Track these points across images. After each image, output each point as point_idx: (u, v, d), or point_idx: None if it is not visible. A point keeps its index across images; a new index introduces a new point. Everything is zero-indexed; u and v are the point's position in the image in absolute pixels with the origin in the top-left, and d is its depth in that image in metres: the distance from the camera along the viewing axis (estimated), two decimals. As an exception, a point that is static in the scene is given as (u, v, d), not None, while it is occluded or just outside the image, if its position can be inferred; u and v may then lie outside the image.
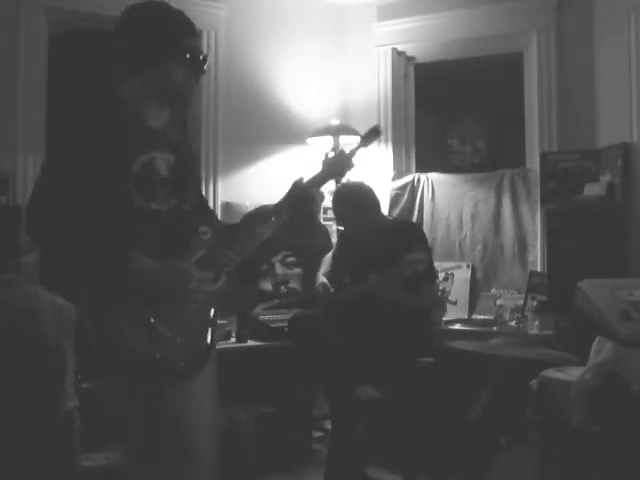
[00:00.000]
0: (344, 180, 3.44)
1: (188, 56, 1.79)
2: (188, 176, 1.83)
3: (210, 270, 1.74)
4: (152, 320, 1.65)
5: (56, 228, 1.62)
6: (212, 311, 1.78)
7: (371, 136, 2.08)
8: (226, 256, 1.80)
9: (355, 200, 3.36)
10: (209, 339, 1.74)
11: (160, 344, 1.64)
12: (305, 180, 1.96)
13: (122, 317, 1.63)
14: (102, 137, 1.68)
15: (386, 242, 3.23)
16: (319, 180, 1.98)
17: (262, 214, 1.91)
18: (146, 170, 1.71)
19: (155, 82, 1.78)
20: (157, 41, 1.76)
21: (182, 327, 1.68)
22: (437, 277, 3.79)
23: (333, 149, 2.02)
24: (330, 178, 2.02)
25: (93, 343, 1.68)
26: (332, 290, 3.37)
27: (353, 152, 2.04)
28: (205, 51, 4.15)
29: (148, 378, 1.66)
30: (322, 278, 3.45)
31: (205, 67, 1.85)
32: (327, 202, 4.43)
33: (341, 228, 3.75)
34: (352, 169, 2.05)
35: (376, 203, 3.42)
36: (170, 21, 1.79)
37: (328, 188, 4.41)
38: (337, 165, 2.02)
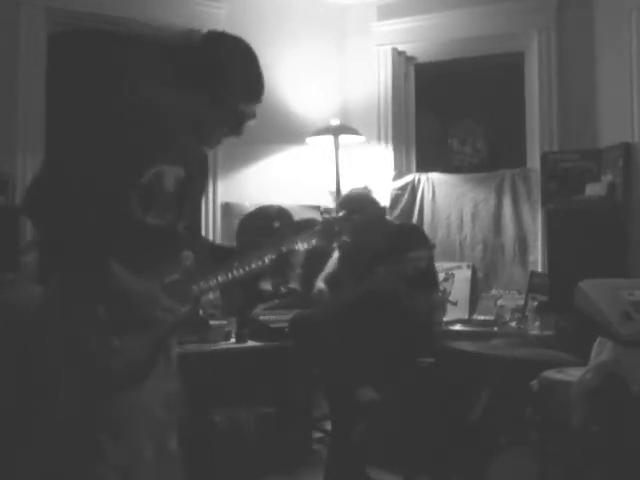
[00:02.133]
0: (352, 188, 3.39)
1: (240, 121, 1.83)
2: (190, 193, 1.81)
3: (178, 296, 1.74)
4: (109, 327, 1.65)
5: (53, 217, 1.61)
6: (167, 332, 1.78)
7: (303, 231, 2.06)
8: (197, 286, 1.80)
9: (360, 209, 3.31)
10: (154, 356, 1.74)
11: (109, 351, 1.65)
12: (300, 234, 1.95)
13: (85, 317, 1.64)
14: (121, 139, 1.66)
15: (389, 245, 3.23)
16: (313, 236, 1.97)
17: (246, 250, 1.91)
18: (154, 182, 1.69)
19: (195, 119, 1.78)
20: (224, 96, 1.76)
21: (133, 340, 1.68)
22: (437, 283, 3.75)
23: (329, 211, 2.00)
24: (324, 239, 1.99)
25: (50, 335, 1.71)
26: (330, 293, 3.36)
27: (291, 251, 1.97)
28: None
29: (87, 384, 1.67)
30: (320, 284, 3.44)
31: (244, 128, 1.87)
32: (328, 203, 4.46)
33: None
34: (292, 270, 2.05)
35: (381, 212, 3.40)
36: (249, 84, 1.80)
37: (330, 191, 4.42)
38: (336, 229, 2.01)
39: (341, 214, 2.06)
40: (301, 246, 1.94)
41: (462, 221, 4.48)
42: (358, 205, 3.31)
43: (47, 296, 1.73)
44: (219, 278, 1.84)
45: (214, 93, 1.76)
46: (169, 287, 1.73)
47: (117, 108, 1.75)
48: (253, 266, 1.88)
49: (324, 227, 2.01)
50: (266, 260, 1.89)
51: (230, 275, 1.85)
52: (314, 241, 1.98)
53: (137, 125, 1.68)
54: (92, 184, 1.63)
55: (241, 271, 1.86)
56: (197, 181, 1.85)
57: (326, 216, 2.03)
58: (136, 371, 1.70)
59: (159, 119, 1.72)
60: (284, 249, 1.90)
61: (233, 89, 1.77)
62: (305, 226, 1.99)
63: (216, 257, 1.93)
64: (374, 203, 3.41)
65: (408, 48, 4.67)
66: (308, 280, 3.96)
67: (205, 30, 1.86)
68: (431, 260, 3.31)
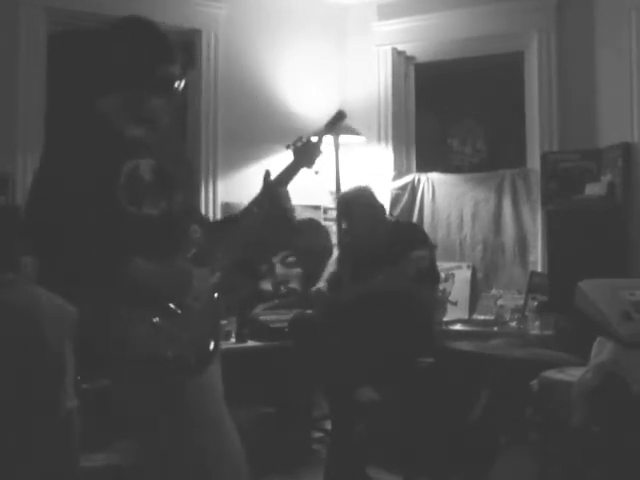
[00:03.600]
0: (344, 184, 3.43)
1: (162, 85, 1.84)
2: (172, 178, 1.86)
3: (205, 266, 1.78)
4: (157, 320, 1.68)
5: (56, 237, 1.64)
6: (216, 306, 1.81)
7: (335, 121, 2.20)
8: (218, 251, 1.84)
9: (361, 204, 3.34)
10: (217, 334, 1.80)
11: (168, 343, 1.67)
12: (279, 172, 2.03)
13: (127, 320, 1.66)
14: (87, 149, 1.72)
15: (388, 243, 3.23)
16: (292, 170, 2.05)
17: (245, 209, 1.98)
18: (132, 177, 1.74)
19: (130, 105, 1.83)
20: (132, 68, 1.81)
21: (188, 324, 1.71)
22: (439, 279, 3.79)
23: (299, 139, 2.10)
24: (301, 167, 2.08)
25: (99, 346, 1.71)
26: (329, 292, 3.37)
27: (320, 139, 2.14)
28: (204, 52, 4.16)
29: (159, 377, 1.69)
30: (320, 283, 3.45)
31: (178, 90, 1.90)
32: (328, 203, 4.46)
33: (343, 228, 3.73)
34: (320, 156, 2.12)
35: (381, 207, 3.42)
36: (148, 47, 1.83)
37: (330, 190, 4.43)
38: (307, 153, 2.09)
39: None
40: (288, 181, 2.03)
41: (462, 221, 4.48)
42: (360, 200, 3.33)
43: (86, 318, 1.74)
44: (235, 236, 1.90)
45: (131, 74, 1.81)
46: (193, 261, 1.77)
47: (74, 123, 1.83)
48: (254, 213, 1.95)
49: (298, 155, 2.08)
50: (262, 206, 1.96)
51: (242, 231, 1.92)
52: (297, 170, 2.06)
53: (94, 135, 1.75)
54: (83, 190, 1.67)
55: (248, 224, 1.94)
56: (171, 165, 1.89)
57: (296, 145, 2.09)
58: (205, 353, 1.74)
59: (107, 124, 1.79)
60: (275, 187, 1.98)
61: (142, 60, 1.81)
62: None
63: (221, 225, 2.00)
64: (373, 197, 3.42)
65: (408, 48, 4.67)
66: (308, 280, 3.97)
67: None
68: (433, 263, 3.31)
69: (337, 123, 2.17)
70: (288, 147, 2.08)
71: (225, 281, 1.84)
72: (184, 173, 1.98)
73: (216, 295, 1.82)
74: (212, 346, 1.76)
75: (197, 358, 1.71)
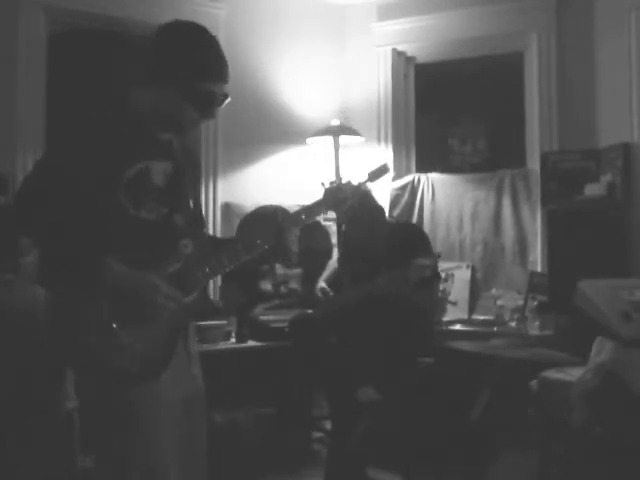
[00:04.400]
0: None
1: (206, 102, 1.80)
2: (183, 186, 1.84)
3: (182, 284, 1.74)
4: (113, 325, 1.66)
5: (41, 221, 1.64)
6: (177, 323, 1.78)
7: (379, 173, 2.07)
8: (202, 272, 1.80)
9: (360, 205, 3.34)
10: (168, 349, 1.74)
11: (117, 348, 1.65)
12: (300, 208, 1.94)
13: (86, 317, 1.64)
14: (103, 138, 1.70)
15: (388, 245, 3.23)
16: (315, 209, 1.96)
17: (250, 233, 1.90)
18: (140, 178, 1.72)
19: (165, 109, 1.79)
20: (181, 78, 1.76)
21: (142, 335, 1.69)
22: (441, 277, 3.80)
23: (334, 181, 2.01)
24: (329, 208, 1.99)
25: (53, 338, 1.69)
26: (332, 293, 3.37)
27: (359, 185, 2.02)
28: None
29: (106, 378, 1.67)
30: (322, 283, 3.45)
31: (217, 110, 1.84)
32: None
33: (343, 229, 3.74)
34: (351, 202, 2.02)
35: (380, 208, 3.43)
36: (203, 61, 1.78)
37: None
38: (340, 195, 1.99)
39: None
40: (307, 220, 1.92)
41: (462, 221, 4.48)
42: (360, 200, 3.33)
43: (49, 303, 1.73)
44: (223, 262, 1.84)
45: (175, 79, 1.76)
46: (172, 276, 1.73)
47: (99, 110, 1.80)
48: (257, 246, 1.87)
49: (327, 195, 1.98)
50: (267, 241, 1.88)
51: (234, 259, 1.84)
52: (321, 211, 1.96)
53: (115, 126, 1.72)
54: (79, 183, 1.66)
55: (244, 254, 1.85)
56: (187, 174, 1.87)
57: (328, 186, 2.02)
58: (151, 366, 1.70)
59: (135, 119, 1.75)
60: (288, 225, 1.89)
61: (190, 70, 1.76)
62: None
63: (217, 246, 1.93)
64: (372, 199, 3.42)
65: (408, 48, 4.67)
66: (308, 280, 3.97)
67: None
68: (435, 268, 3.31)
69: (380, 175, 2.09)
70: (323, 185, 2.02)
71: (199, 302, 1.80)
72: (194, 183, 1.95)
73: (183, 315, 1.77)
74: (159, 363, 1.71)
75: (139, 370, 1.67)
